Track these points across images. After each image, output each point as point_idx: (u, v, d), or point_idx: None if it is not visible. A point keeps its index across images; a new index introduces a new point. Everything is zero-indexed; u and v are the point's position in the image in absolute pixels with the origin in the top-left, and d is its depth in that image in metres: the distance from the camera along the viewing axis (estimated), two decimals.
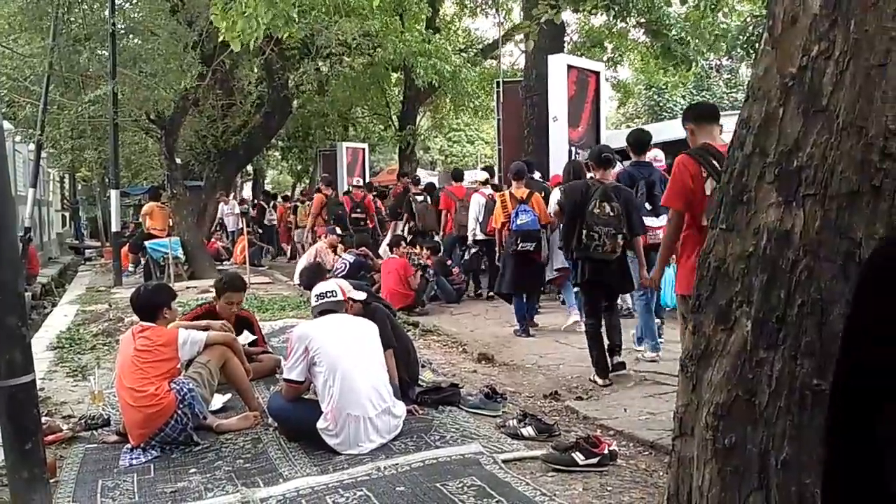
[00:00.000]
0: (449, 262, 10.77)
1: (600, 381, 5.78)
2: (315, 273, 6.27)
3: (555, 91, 11.12)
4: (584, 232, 5.70)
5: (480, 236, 9.98)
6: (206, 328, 5.33)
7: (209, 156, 14.76)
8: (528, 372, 6.30)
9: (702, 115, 4.43)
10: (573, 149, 11.50)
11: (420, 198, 12.28)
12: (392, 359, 4.94)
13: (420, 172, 20.85)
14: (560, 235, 6.69)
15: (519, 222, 7.78)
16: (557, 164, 9.80)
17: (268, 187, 34.40)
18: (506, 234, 8.14)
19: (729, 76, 30.19)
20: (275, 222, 19.77)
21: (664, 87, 26.30)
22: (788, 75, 2.47)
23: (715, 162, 4.10)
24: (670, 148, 7.88)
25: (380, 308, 5.33)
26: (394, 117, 22.19)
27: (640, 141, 6.70)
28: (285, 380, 4.55)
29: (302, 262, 11.27)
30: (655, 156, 7.71)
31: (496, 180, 11.85)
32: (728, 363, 2.56)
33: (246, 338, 6.24)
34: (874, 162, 2.40)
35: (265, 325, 7.43)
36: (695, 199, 4.19)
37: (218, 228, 18.85)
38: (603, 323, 6.01)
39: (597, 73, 12.29)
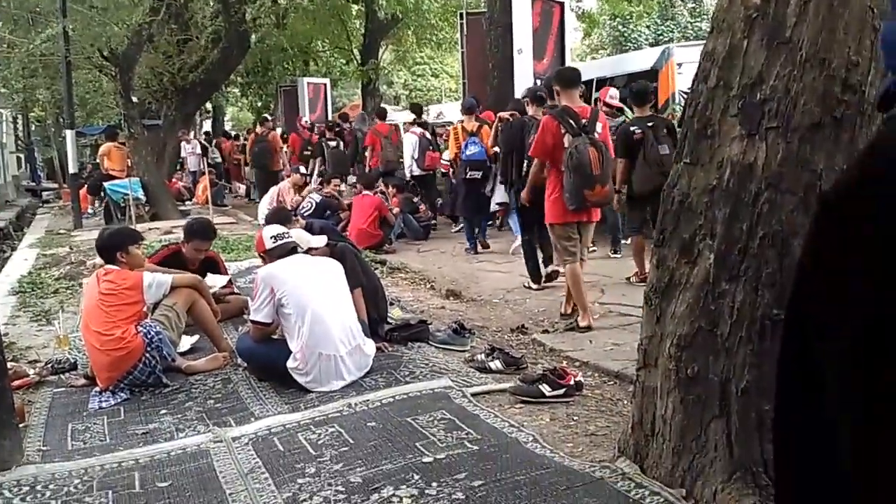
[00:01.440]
0: (416, 200, 10.84)
1: (534, 287, 6.86)
2: (279, 217, 6.14)
3: (519, 23, 11.04)
4: (525, 163, 6.50)
5: (417, 172, 10.92)
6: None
7: (166, 93, 14.53)
8: (495, 307, 6.37)
9: (566, 80, 5.47)
10: (538, 81, 11.43)
11: (332, 143, 13.68)
12: (360, 297, 4.96)
13: (385, 108, 20.80)
14: (499, 169, 7.90)
15: (469, 153, 8.74)
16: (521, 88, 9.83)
17: (227, 125, 33.86)
18: (458, 163, 9.33)
19: (693, 5, 29.97)
20: (218, 160, 19.55)
21: (629, 17, 26.08)
22: (752, 7, 2.47)
23: (572, 121, 5.25)
24: (635, 79, 7.90)
25: (346, 248, 5.35)
26: (356, 51, 21.79)
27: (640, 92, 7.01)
28: (252, 321, 4.55)
29: (264, 201, 11.18)
30: (612, 94, 8.46)
31: (434, 116, 12.12)
32: (691, 295, 2.61)
33: (217, 280, 6.20)
34: (836, 94, 2.40)
35: (231, 266, 7.34)
36: (556, 151, 5.37)
37: (179, 168, 18.62)
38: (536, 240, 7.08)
39: (561, 4, 12.16)
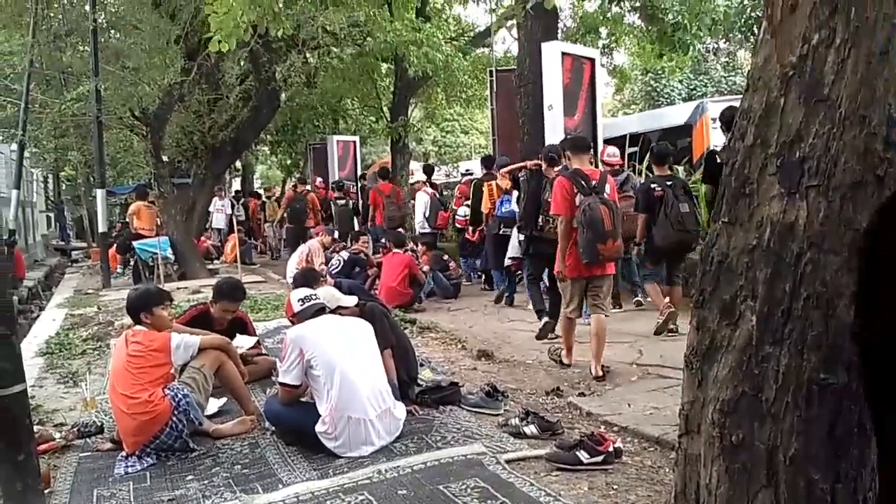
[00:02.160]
0: (447, 258, 10.98)
1: (541, 322, 7.42)
2: (307, 278, 6.24)
3: (549, 79, 11.04)
4: (542, 216, 7.14)
5: (426, 230, 11.77)
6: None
7: (196, 152, 14.80)
8: (528, 368, 6.33)
9: (577, 146, 6.12)
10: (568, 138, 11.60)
11: (342, 202, 14.67)
12: (390, 358, 4.96)
13: (413, 165, 20.89)
14: (519, 215, 8.30)
15: (504, 210, 9.30)
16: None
17: (256, 183, 34.36)
18: (490, 219, 9.83)
19: (727, 59, 30.19)
20: (242, 218, 19.92)
21: (661, 71, 26.22)
22: (789, 65, 2.48)
23: (583, 182, 5.84)
24: (668, 135, 8.01)
25: (375, 307, 5.32)
26: (385, 109, 22.03)
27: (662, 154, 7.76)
28: (281, 384, 4.54)
29: (293, 260, 11.28)
30: (610, 153, 9.16)
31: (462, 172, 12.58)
32: (733, 359, 2.57)
33: (246, 341, 6.21)
34: (877, 151, 2.39)
35: (259, 326, 7.41)
36: (571, 209, 5.91)
37: (207, 227, 19.00)
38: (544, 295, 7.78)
39: (592, 60, 12.19)
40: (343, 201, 14.86)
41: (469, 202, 11.79)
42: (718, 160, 7.16)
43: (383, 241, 11.50)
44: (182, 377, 4.87)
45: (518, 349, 7.00)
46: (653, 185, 7.48)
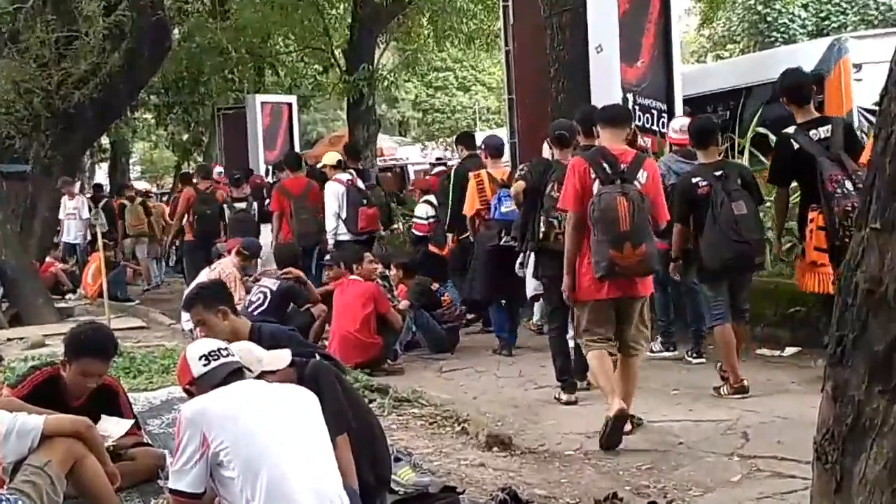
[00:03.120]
0: (436, 288, 10.97)
1: (564, 398, 7.82)
2: (215, 296, 6.32)
3: (597, 8, 11.10)
4: (542, 219, 7.74)
5: (346, 237, 12.00)
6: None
7: (38, 122, 14.58)
8: (567, 463, 6.31)
9: (611, 117, 6.72)
10: (631, 95, 11.63)
11: (241, 204, 15.06)
12: (347, 448, 4.93)
13: (385, 142, 20.90)
14: (514, 224, 8.77)
15: (504, 210, 9.48)
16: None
17: (135, 171, 34.25)
18: (480, 226, 10.08)
19: None
20: (105, 228, 20.44)
21: None
22: None
23: (606, 165, 6.37)
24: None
25: (323, 367, 5.34)
26: (338, 52, 22.11)
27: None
28: (172, 491, 4.47)
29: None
30: (679, 126, 9.26)
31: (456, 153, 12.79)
32: (891, 446, 2.53)
33: (115, 426, 6.05)
34: None
35: (138, 399, 7.38)
36: (585, 201, 6.40)
37: (56, 241, 18.58)
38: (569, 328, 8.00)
39: None
40: (243, 204, 15.26)
41: (429, 198, 12.48)
42: (797, 145, 7.57)
43: (327, 258, 11.63)
44: (14, 481, 4.72)
45: (550, 432, 7.03)
46: (694, 180, 7.84)
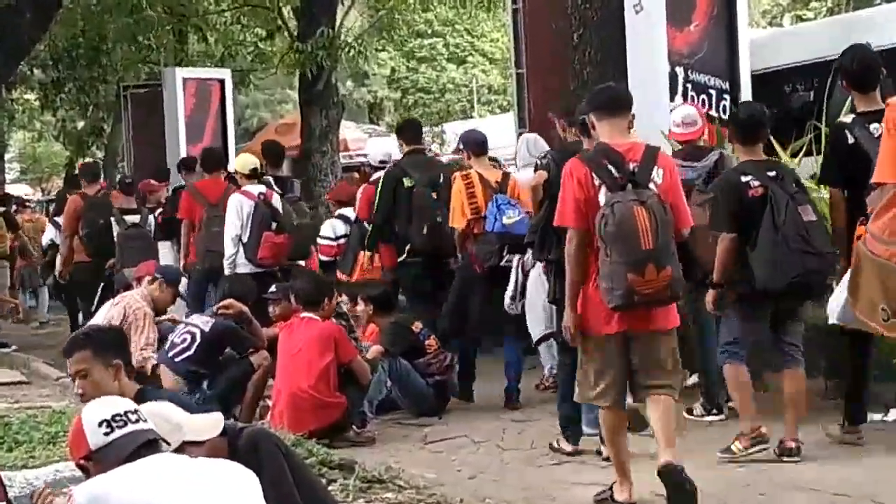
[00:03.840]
0: (418, 328, 11.01)
1: (568, 448, 8.52)
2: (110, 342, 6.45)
3: None
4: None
5: (245, 268, 12.35)
6: None
7: None
8: None
9: (606, 103, 7.14)
10: (680, 70, 11.89)
11: (134, 218, 15.44)
12: None
13: (352, 132, 21.07)
14: (530, 228, 9.08)
15: (506, 221, 10.11)
16: (646, 103, 10.00)
17: (12, 171, 34.36)
18: (469, 243, 10.73)
19: None
20: None
21: None
22: None
23: (611, 167, 6.74)
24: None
25: (263, 436, 5.58)
26: (286, 11, 22.15)
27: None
28: None
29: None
30: (680, 118, 9.93)
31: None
32: None
33: None
34: None
35: (15, 480, 7.09)
36: (589, 214, 6.79)
37: None
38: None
39: None
40: (136, 217, 15.54)
41: (345, 212, 13.08)
42: (852, 139, 7.62)
43: (272, 290, 11.62)
44: None
45: None
46: (745, 178, 8.03)
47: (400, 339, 10.55)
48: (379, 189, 11.43)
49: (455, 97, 34.20)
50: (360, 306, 11.08)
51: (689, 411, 9.15)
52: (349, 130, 26.86)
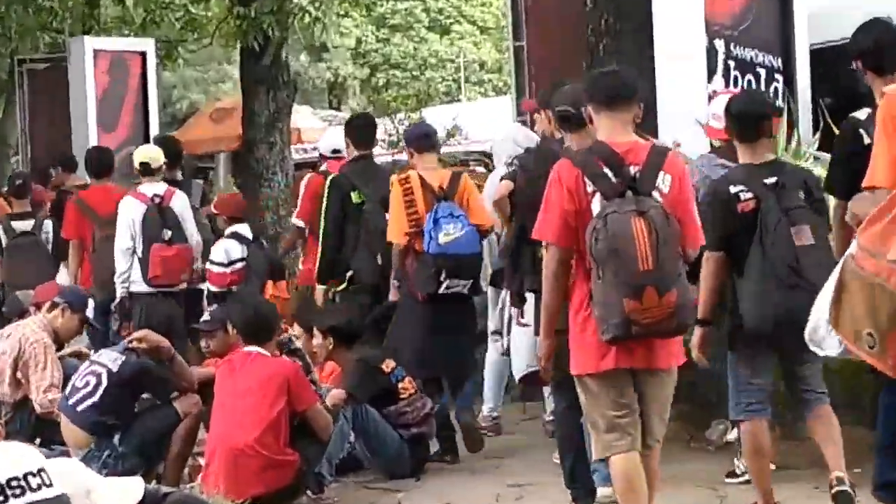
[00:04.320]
0: (390, 367, 10.89)
1: None
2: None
3: None
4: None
5: (140, 286, 12.68)
6: None
7: None
8: None
9: (605, 94, 7.32)
10: (721, 43, 11.63)
11: (23, 223, 15.40)
12: None
13: (307, 119, 20.93)
14: (503, 251, 9.61)
15: (444, 239, 10.45)
16: (677, 85, 9.87)
17: None
18: (409, 264, 10.83)
19: None
20: None
21: None
22: None
23: (608, 170, 6.96)
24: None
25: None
26: None
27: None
28: None
29: None
30: (721, 109, 9.60)
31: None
32: None
33: None
34: None
35: None
36: (581, 226, 6.96)
37: None
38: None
39: None
40: (27, 223, 15.08)
41: (239, 230, 13.25)
42: (868, 139, 7.24)
43: (205, 318, 11.42)
44: None
45: None
46: (734, 189, 8.13)
47: (367, 380, 10.24)
48: (325, 201, 11.54)
49: (437, 75, 34.22)
50: (318, 339, 10.51)
51: (732, 474, 8.83)
52: (303, 118, 26.68)
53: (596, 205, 6.68)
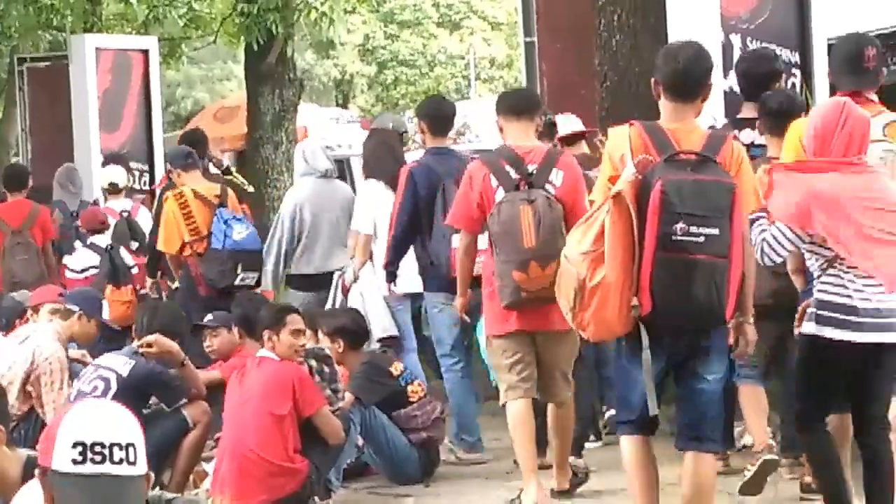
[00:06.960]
0: (399, 370, 10.95)
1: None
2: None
3: None
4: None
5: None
6: None
7: None
8: None
9: (512, 106, 8.81)
10: (737, 37, 11.58)
11: None
12: None
13: (309, 117, 20.92)
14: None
15: (237, 237, 11.49)
16: None
17: None
18: (193, 265, 11.79)
19: None
20: None
21: None
22: None
23: (511, 169, 8.31)
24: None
25: None
26: None
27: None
28: None
29: None
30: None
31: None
32: None
33: None
34: None
35: None
36: (485, 216, 8.25)
37: None
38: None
39: None
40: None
41: (97, 240, 13.75)
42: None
43: (208, 318, 11.55)
44: None
45: None
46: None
47: (374, 383, 10.20)
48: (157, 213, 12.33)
49: (446, 72, 34.22)
50: (326, 342, 10.48)
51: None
52: (310, 115, 26.62)
53: (499, 196, 8.13)
